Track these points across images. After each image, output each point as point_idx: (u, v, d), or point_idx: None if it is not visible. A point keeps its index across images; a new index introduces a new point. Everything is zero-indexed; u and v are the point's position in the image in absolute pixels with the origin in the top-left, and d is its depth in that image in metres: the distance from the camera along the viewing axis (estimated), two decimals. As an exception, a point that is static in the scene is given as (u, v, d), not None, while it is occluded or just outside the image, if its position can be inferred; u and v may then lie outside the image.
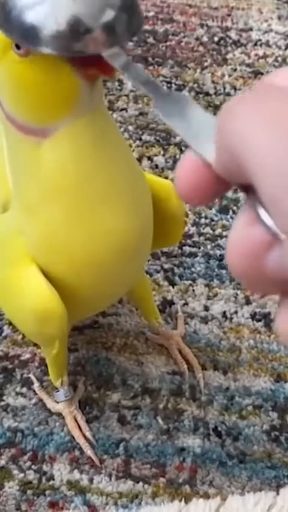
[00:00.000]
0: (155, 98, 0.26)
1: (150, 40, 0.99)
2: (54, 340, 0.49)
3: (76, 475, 0.54)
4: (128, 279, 0.51)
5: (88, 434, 0.55)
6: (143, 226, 0.47)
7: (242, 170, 0.20)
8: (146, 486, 0.53)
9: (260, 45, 1.00)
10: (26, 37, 0.35)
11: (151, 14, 1.04)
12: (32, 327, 0.49)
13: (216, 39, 1.01)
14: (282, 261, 0.19)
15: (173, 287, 0.67)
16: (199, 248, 0.71)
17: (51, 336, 0.49)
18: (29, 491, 0.53)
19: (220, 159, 0.21)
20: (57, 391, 0.56)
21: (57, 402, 0.57)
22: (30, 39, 0.35)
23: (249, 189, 0.20)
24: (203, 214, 0.75)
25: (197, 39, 1.00)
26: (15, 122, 0.42)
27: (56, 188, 0.42)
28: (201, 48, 0.99)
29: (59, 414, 0.57)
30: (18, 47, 0.37)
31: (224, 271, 0.69)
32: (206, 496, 0.53)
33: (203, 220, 0.74)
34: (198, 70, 0.94)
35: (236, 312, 0.65)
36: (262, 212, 0.19)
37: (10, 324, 0.62)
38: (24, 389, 0.58)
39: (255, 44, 1.00)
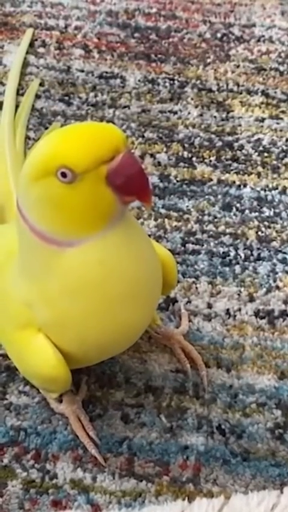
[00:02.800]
0: None
1: (153, 37, 0.99)
2: (57, 394, 0.54)
3: (79, 473, 0.54)
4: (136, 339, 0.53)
5: (92, 433, 0.55)
6: (152, 311, 0.50)
7: None
8: (149, 484, 0.53)
9: (263, 41, 1.00)
10: None
11: (153, 10, 1.04)
12: (36, 381, 0.51)
13: (219, 35, 1.00)
14: None
15: (176, 284, 0.67)
16: (202, 245, 0.71)
17: (54, 392, 0.54)
18: (32, 490, 0.53)
19: None
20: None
21: (60, 401, 0.56)
22: None
23: None
24: (206, 212, 0.74)
25: (199, 35, 1.00)
26: (38, 233, 0.42)
27: (78, 289, 0.43)
28: (204, 45, 0.98)
29: (62, 414, 0.56)
30: (64, 175, 0.39)
31: (227, 269, 0.69)
32: (210, 494, 0.52)
33: (206, 218, 0.74)
34: (201, 66, 0.94)
35: (239, 310, 0.65)
36: None
37: (13, 322, 0.62)
38: (27, 388, 0.58)
39: (259, 40, 1.00)
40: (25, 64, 0.90)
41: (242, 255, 0.70)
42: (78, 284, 0.43)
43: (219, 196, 0.76)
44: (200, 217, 0.74)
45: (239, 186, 0.78)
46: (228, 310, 0.65)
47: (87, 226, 0.42)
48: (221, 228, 0.73)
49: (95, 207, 0.41)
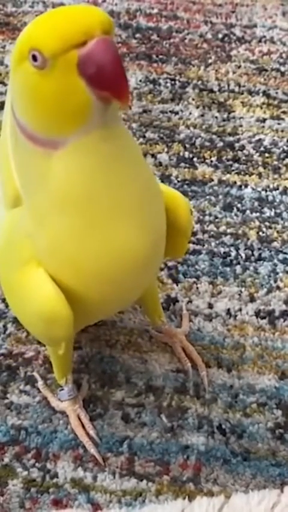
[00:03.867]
0: None
1: (154, 37, 0.99)
2: (60, 342, 0.49)
3: (80, 472, 0.54)
4: (139, 289, 0.51)
5: (92, 432, 0.55)
6: (155, 241, 0.46)
7: None
8: (149, 484, 0.53)
9: (265, 41, 1.00)
10: None
11: (155, 11, 1.04)
12: (39, 329, 0.49)
13: (220, 36, 1.00)
14: None
15: (177, 285, 0.67)
16: (203, 246, 0.71)
17: (58, 338, 0.49)
18: (32, 489, 0.53)
19: None
20: (62, 389, 0.56)
21: (61, 401, 0.57)
22: None
23: None
24: (207, 212, 0.75)
25: (201, 36, 1.00)
26: (26, 131, 0.42)
27: (64, 201, 0.42)
28: (205, 45, 0.98)
29: (63, 412, 0.57)
30: (35, 58, 0.38)
31: (228, 269, 0.69)
32: (210, 493, 0.52)
33: (207, 218, 0.74)
34: (202, 67, 0.94)
35: (240, 310, 0.65)
36: None
37: (14, 322, 0.62)
38: (28, 387, 0.58)
39: (260, 41, 1.00)
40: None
41: (243, 255, 0.70)
42: (63, 195, 0.42)
43: (220, 197, 0.77)
44: (201, 217, 0.74)
45: (240, 186, 0.78)
46: (229, 310, 0.65)
47: (64, 123, 0.40)
48: (222, 228, 0.73)
49: (68, 100, 0.38)
